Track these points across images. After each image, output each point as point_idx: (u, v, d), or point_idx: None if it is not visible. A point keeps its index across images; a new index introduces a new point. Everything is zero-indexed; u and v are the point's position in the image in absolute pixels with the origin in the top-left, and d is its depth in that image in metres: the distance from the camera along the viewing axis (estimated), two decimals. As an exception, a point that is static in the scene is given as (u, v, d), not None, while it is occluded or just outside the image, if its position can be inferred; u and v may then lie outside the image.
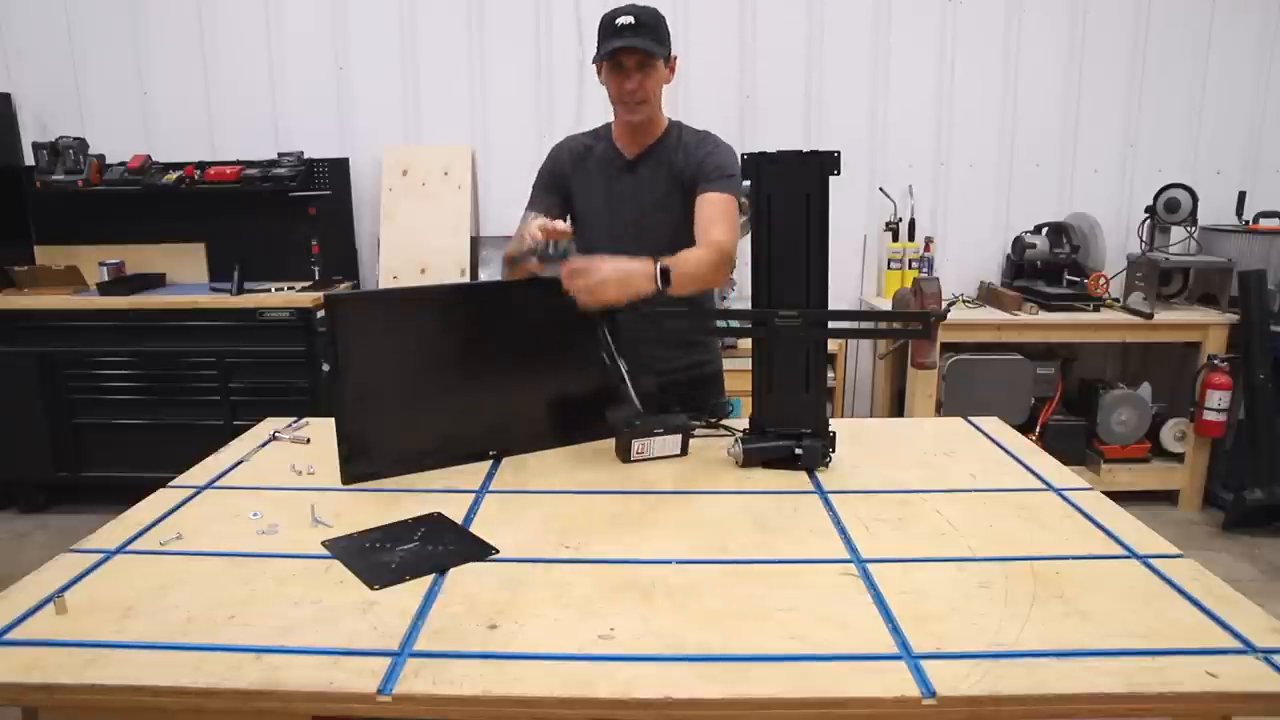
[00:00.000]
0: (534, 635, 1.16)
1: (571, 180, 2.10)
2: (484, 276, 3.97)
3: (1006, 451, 1.91)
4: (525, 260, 1.76)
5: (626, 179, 2.08)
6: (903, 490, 1.66)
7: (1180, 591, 1.27)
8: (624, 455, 1.80)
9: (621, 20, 1.93)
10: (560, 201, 2.11)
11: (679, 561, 1.36)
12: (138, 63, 4.07)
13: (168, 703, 1.06)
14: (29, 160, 3.96)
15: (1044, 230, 4.00)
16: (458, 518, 1.52)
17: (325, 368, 3.50)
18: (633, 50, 1.92)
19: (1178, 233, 3.94)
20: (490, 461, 1.80)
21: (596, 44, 1.99)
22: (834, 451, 1.78)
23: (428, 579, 1.31)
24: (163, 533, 1.47)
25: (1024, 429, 3.46)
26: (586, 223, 2.05)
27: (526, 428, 1.85)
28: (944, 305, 3.75)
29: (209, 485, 1.70)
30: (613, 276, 1.67)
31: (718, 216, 1.92)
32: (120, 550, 1.41)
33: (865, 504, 1.59)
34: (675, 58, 2.05)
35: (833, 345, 3.61)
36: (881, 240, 4.18)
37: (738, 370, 3.49)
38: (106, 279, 3.81)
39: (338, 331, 1.63)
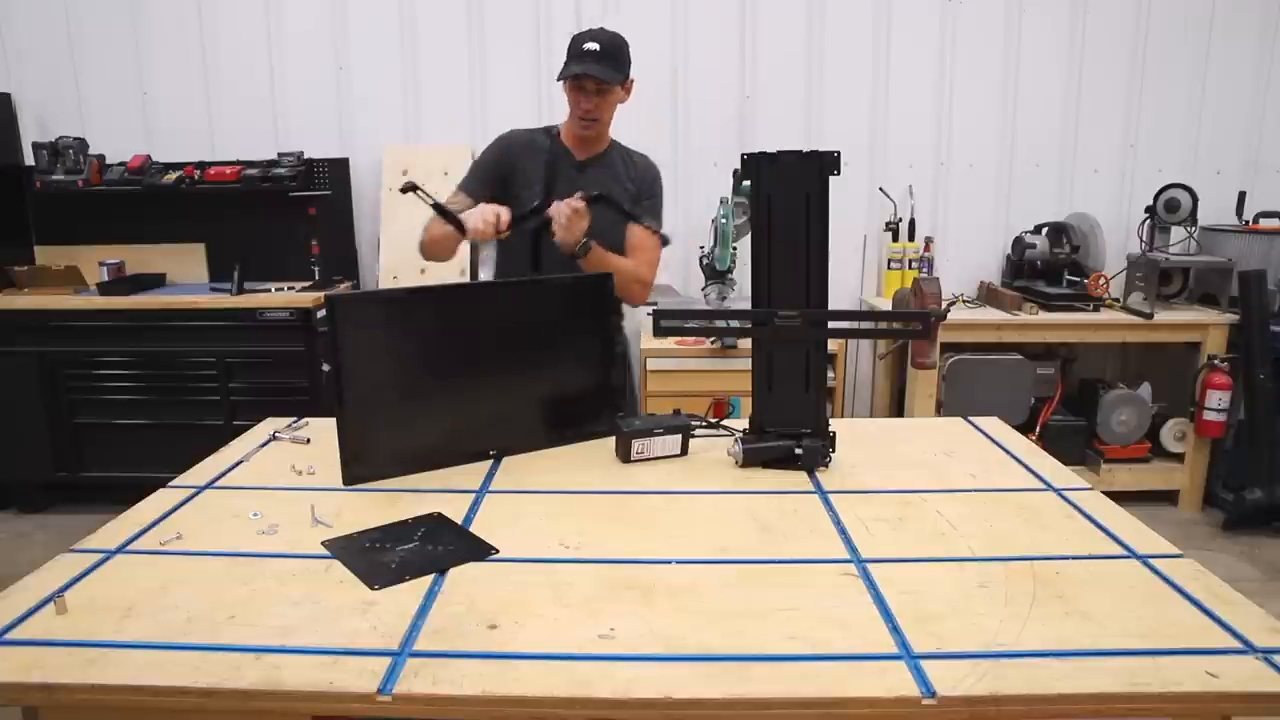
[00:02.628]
0: (534, 635, 1.16)
1: (517, 169, 2.24)
2: (484, 277, 3.96)
3: (1006, 451, 1.91)
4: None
5: (576, 177, 2.24)
6: (903, 490, 1.66)
7: (1180, 591, 1.27)
8: (624, 455, 1.80)
9: (588, 46, 2.14)
10: (497, 190, 2.20)
11: (679, 561, 1.36)
12: (138, 63, 4.07)
13: (168, 703, 1.06)
14: (29, 160, 3.95)
15: (1044, 230, 4.00)
16: (458, 518, 1.52)
17: (325, 368, 3.50)
18: (592, 77, 2.13)
19: (1178, 233, 3.95)
20: (490, 461, 1.80)
21: (565, 61, 2.19)
22: (834, 451, 1.78)
23: (428, 579, 1.31)
24: (163, 533, 1.47)
25: (1024, 429, 3.46)
26: (514, 239, 2.11)
27: (526, 427, 1.85)
28: (944, 305, 3.75)
29: (209, 485, 1.70)
30: (581, 229, 2.05)
31: (648, 258, 2.29)
32: (120, 550, 1.41)
33: (865, 504, 1.59)
34: (632, 80, 2.23)
35: (833, 345, 3.61)
36: (881, 240, 4.18)
37: (738, 370, 3.52)
38: (106, 279, 3.81)
39: (338, 331, 1.63)
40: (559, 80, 2.19)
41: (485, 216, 1.99)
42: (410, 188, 1.97)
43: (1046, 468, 1.80)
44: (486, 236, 1.99)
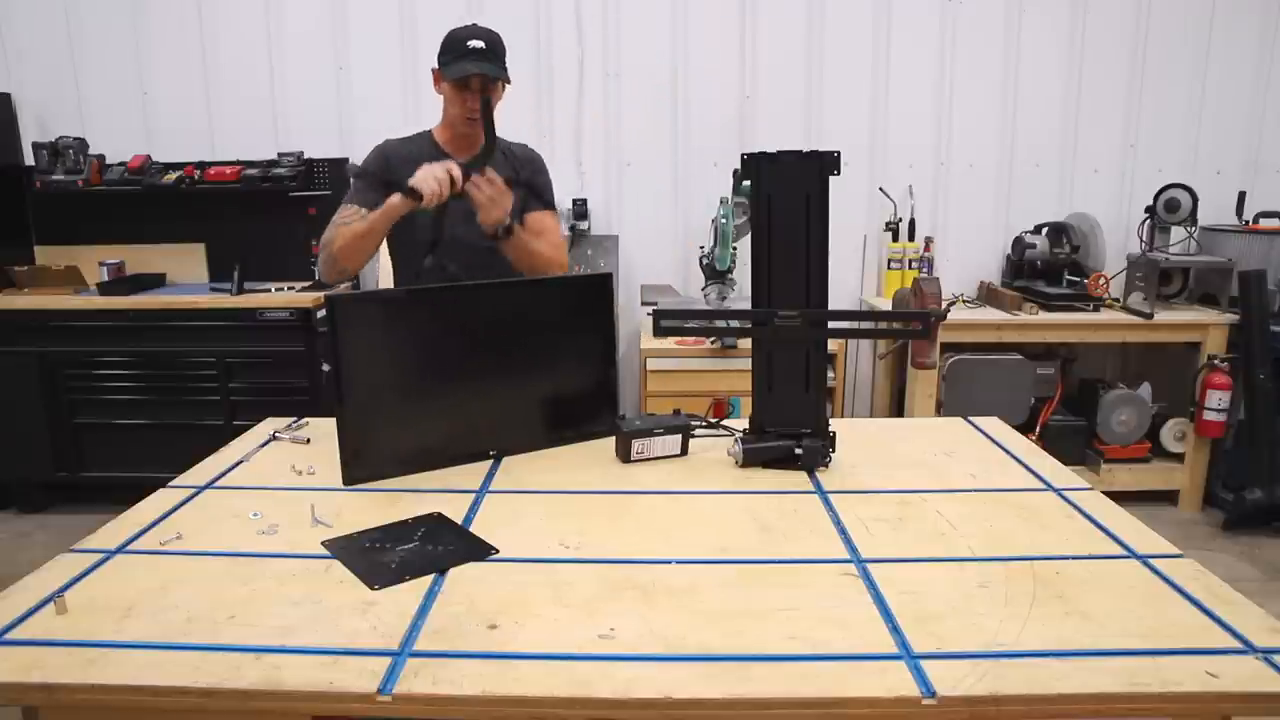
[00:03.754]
0: (534, 635, 1.16)
1: (402, 178, 2.15)
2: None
3: (1006, 451, 1.91)
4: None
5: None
6: (903, 490, 1.66)
7: (1180, 591, 1.27)
8: (624, 455, 1.80)
9: (473, 44, 2.11)
10: (385, 198, 2.16)
11: (679, 561, 1.36)
12: (138, 63, 4.07)
13: (168, 703, 1.06)
14: (29, 160, 3.96)
15: (1044, 230, 4.00)
16: (458, 518, 1.52)
17: (325, 368, 3.50)
18: (482, 74, 2.11)
19: (1178, 233, 3.94)
20: (490, 461, 1.80)
21: (441, 57, 2.16)
22: (834, 451, 1.78)
23: (428, 579, 1.31)
24: (163, 533, 1.47)
25: (1024, 429, 3.46)
26: (417, 219, 2.07)
27: (526, 427, 1.85)
28: (944, 305, 3.75)
29: (209, 485, 1.70)
30: (505, 207, 2.05)
31: (555, 240, 2.32)
32: (120, 550, 1.41)
33: (865, 504, 1.59)
34: (509, 83, 2.21)
35: (833, 345, 3.61)
36: (881, 240, 4.18)
37: (738, 370, 3.52)
38: (106, 279, 3.81)
39: (338, 332, 1.63)
40: (446, 80, 2.15)
41: (436, 175, 1.92)
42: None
43: (1046, 468, 1.80)
44: (444, 197, 1.93)
